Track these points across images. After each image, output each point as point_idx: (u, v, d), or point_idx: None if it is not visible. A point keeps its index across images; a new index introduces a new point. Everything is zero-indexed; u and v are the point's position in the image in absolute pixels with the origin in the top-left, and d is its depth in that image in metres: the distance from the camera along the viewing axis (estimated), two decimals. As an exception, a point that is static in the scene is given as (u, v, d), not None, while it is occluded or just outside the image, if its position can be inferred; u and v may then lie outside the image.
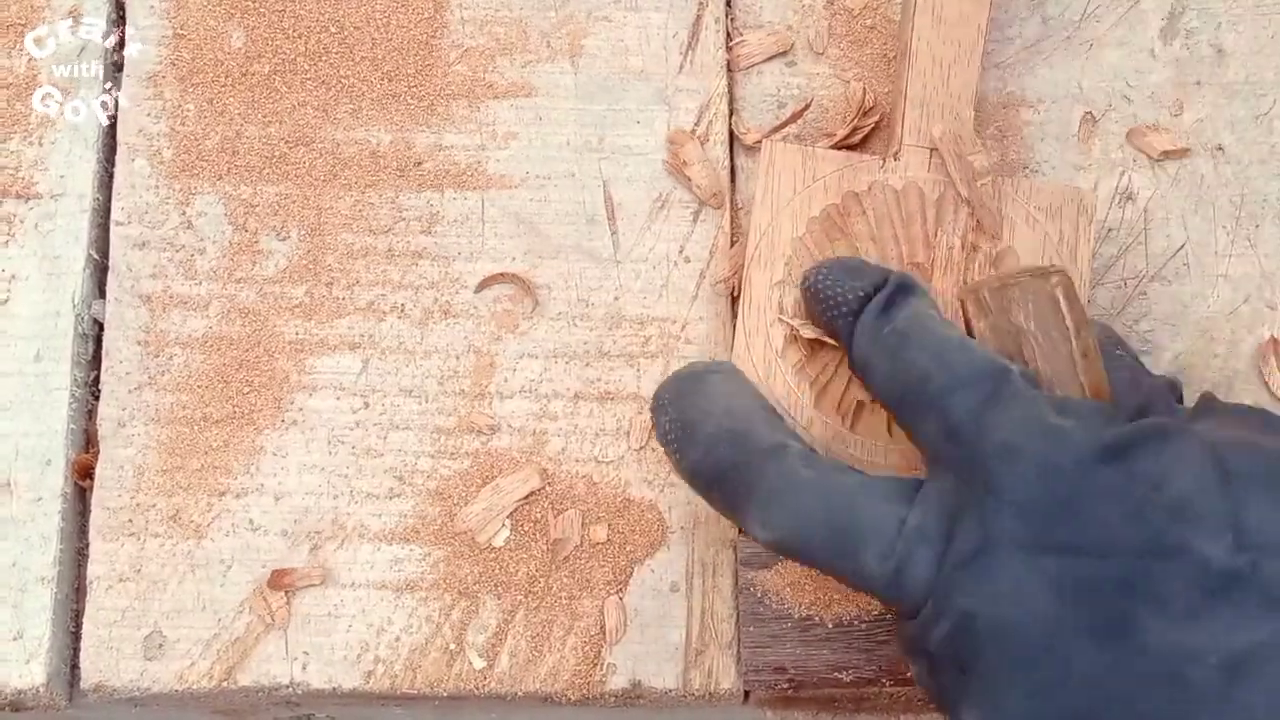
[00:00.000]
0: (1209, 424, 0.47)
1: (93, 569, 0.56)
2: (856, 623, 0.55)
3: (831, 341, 0.55)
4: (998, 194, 0.57)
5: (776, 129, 0.61)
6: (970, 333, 0.51)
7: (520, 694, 0.55)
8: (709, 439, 0.49)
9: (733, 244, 0.60)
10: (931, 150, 0.57)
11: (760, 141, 0.59)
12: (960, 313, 0.51)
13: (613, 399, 0.58)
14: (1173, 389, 0.51)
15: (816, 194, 0.57)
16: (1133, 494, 0.43)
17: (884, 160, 0.58)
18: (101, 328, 0.59)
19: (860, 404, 0.55)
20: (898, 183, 0.57)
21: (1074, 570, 0.42)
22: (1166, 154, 0.61)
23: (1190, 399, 0.57)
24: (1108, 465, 0.43)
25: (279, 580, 0.55)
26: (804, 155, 0.58)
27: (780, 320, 0.56)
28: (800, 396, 0.55)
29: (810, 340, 0.55)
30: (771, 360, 0.55)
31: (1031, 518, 0.43)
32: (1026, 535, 0.43)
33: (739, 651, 0.55)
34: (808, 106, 0.61)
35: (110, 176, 0.60)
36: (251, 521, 0.56)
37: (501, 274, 0.59)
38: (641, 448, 0.57)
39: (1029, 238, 0.56)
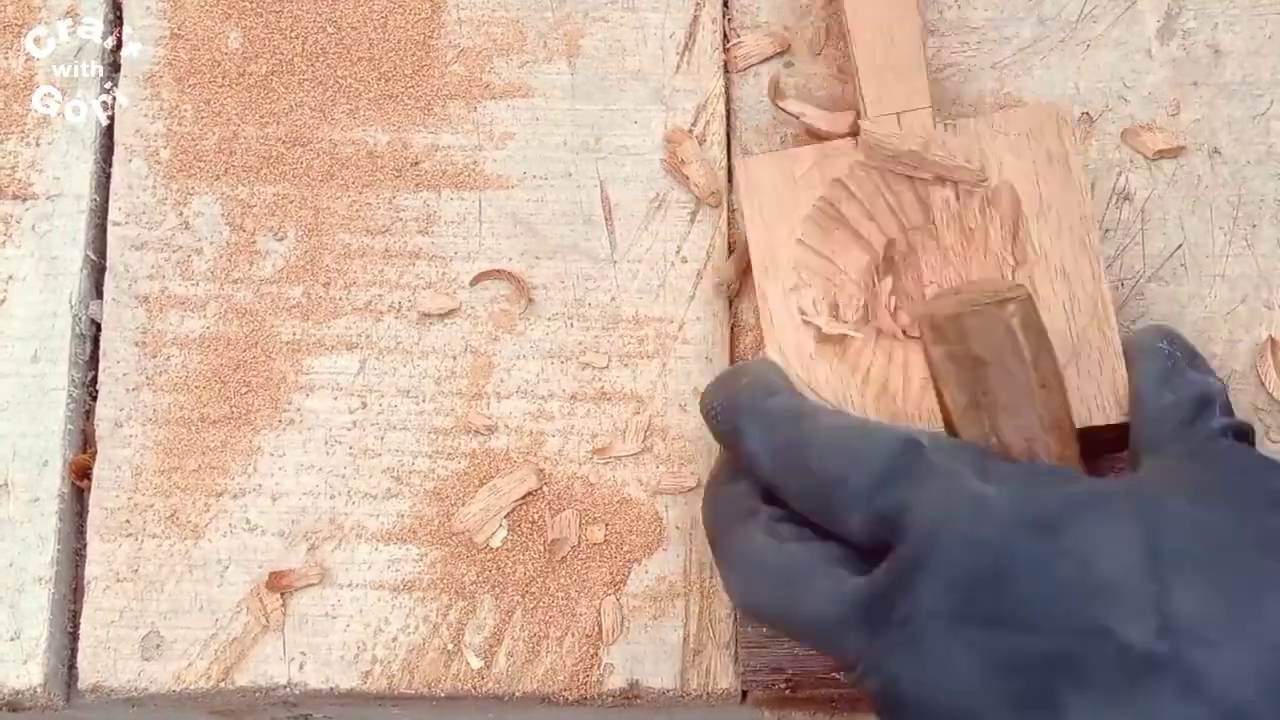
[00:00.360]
0: (1174, 478, 0.47)
1: (90, 569, 0.56)
2: (854, 623, 0.55)
3: (857, 335, 0.55)
4: (974, 135, 0.56)
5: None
6: (926, 354, 0.50)
7: (518, 694, 0.55)
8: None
9: (729, 245, 0.60)
10: (899, 115, 0.57)
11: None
12: (919, 332, 0.51)
13: (610, 399, 0.58)
14: (1204, 401, 0.50)
15: (801, 193, 0.57)
16: (1058, 572, 0.43)
17: (856, 140, 0.57)
18: (99, 328, 0.59)
19: (907, 379, 0.55)
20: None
21: (1000, 643, 0.43)
22: (1161, 153, 0.61)
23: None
24: (1034, 539, 0.44)
25: (277, 582, 0.55)
26: (776, 161, 0.57)
27: (805, 323, 0.55)
28: (848, 391, 0.55)
29: (840, 335, 0.55)
30: (810, 366, 0.55)
31: (958, 590, 0.44)
32: (953, 608, 0.44)
33: (737, 651, 0.55)
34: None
35: (107, 177, 0.60)
36: (249, 522, 0.56)
37: (496, 270, 0.59)
38: (640, 452, 0.57)
39: (1018, 166, 0.56)
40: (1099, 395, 0.54)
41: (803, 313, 0.56)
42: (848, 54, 0.59)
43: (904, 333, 0.55)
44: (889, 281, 0.56)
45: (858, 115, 0.58)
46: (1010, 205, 0.56)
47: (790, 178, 0.57)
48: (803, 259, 0.56)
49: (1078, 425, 0.53)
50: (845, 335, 0.55)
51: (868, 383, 0.55)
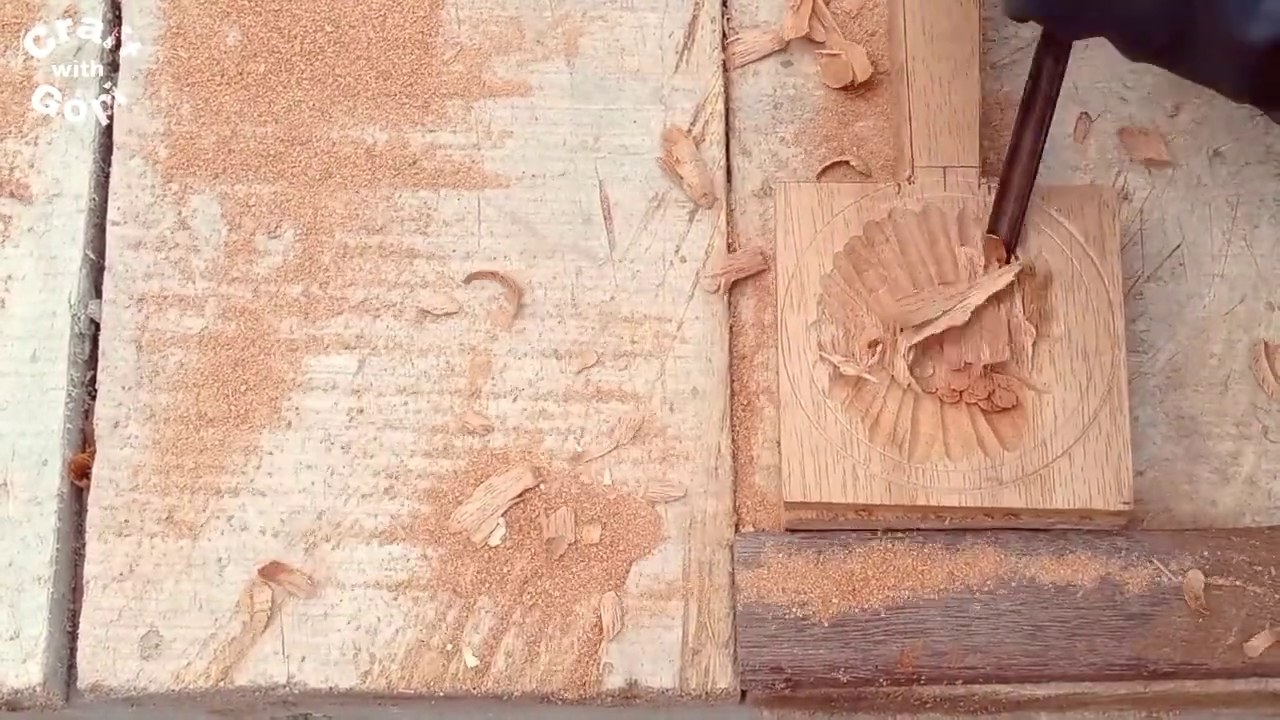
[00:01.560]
0: None
1: (89, 569, 0.56)
2: (853, 622, 0.55)
3: (872, 379, 0.55)
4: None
5: None
6: None
7: (517, 694, 0.55)
8: None
9: (729, 244, 0.60)
10: (945, 169, 0.58)
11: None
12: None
13: (608, 398, 0.58)
14: None
15: (837, 229, 0.57)
16: None
17: (899, 185, 0.58)
18: (98, 328, 0.59)
19: (915, 432, 0.55)
20: (916, 205, 0.57)
21: None
22: (1150, 161, 0.61)
23: (1187, 398, 0.58)
24: None
25: (271, 571, 0.55)
26: (819, 192, 0.57)
27: (822, 359, 0.56)
28: (854, 433, 0.55)
29: (855, 376, 0.55)
30: (820, 401, 0.55)
31: None
32: None
33: (736, 651, 0.55)
34: None
35: (106, 176, 0.60)
36: (247, 521, 0.56)
37: (491, 272, 0.59)
38: (638, 451, 0.57)
39: (1055, 241, 0.57)
40: (1102, 480, 0.54)
41: (821, 348, 0.56)
42: (899, 98, 0.59)
43: (917, 384, 0.56)
44: (911, 333, 0.56)
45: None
46: (1041, 277, 0.56)
47: (829, 211, 0.57)
48: (828, 294, 0.56)
49: (1076, 506, 0.54)
50: (861, 378, 0.55)
51: (876, 428, 0.55)
